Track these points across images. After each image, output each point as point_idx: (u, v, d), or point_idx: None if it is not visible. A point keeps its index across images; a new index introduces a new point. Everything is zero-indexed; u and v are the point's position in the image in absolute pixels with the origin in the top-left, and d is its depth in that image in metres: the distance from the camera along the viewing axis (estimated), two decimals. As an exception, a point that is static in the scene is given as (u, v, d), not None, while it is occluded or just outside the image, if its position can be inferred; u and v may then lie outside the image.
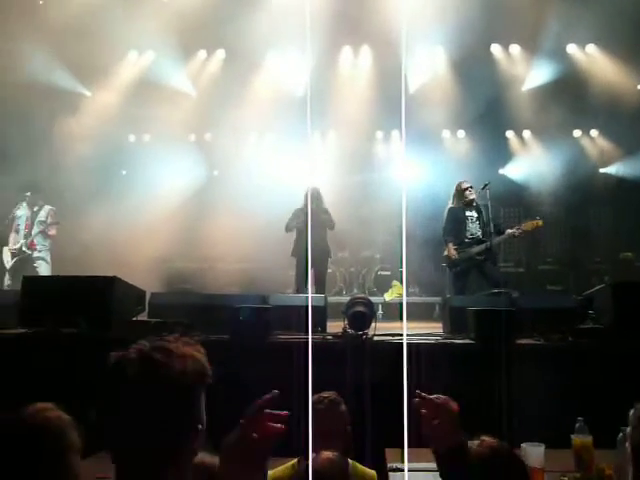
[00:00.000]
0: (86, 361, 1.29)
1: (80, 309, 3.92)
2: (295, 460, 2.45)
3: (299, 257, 6.40)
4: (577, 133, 9.28)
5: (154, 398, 1.09)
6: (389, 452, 2.67)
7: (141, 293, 4.53)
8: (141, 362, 1.11)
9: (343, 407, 2.46)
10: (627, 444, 1.35)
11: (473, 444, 1.76)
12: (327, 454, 2.43)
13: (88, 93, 8.73)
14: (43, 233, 6.67)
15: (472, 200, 6.15)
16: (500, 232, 6.10)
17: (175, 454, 1.12)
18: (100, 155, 8.30)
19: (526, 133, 9.41)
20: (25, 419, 1.33)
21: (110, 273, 4.33)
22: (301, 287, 6.26)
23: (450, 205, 6.28)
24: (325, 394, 2.47)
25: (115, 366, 1.13)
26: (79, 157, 7.72)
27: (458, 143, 9.49)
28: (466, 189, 6.15)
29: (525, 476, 1.79)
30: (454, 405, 1.58)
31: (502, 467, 1.73)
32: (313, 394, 2.36)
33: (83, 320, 3.85)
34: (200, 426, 1.18)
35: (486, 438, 1.79)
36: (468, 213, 6.18)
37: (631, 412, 1.35)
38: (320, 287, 6.42)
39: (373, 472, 2.43)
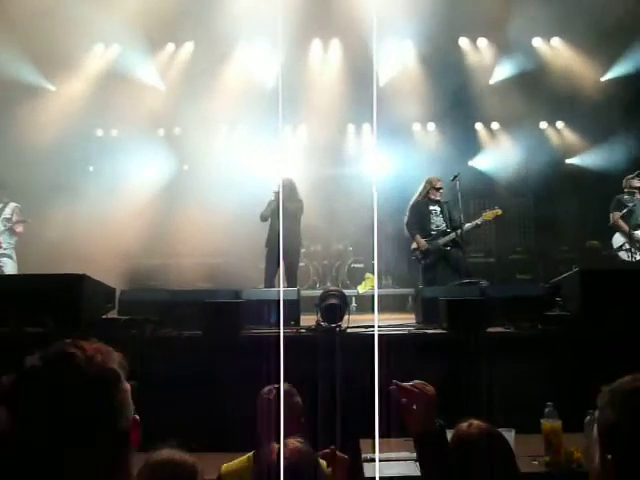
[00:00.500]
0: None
1: (47, 308, 3.83)
2: (250, 453, 2.44)
3: (270, 248, 6.37)
4: (543, 125, 9.45)
5: (79, 397, 1.03)
6: (364, 443, 2.69)
7: (110, 290, 4.45)
8: (56, 361, 1.05)
9: (296, 398, 2.45)
10: (594, 427, 1.37)
11: (462, 426, 1.84)
12: (294, 443, 2.43)
13: (52, 87, 8.50)
14: (9, 231, 6.51)
15: (438, 199, 6.29)
16: (458, 226, 6.23)
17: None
18: (66, 150, 8.10)
19: (494, 125, 9.54)
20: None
21: (78, 270, 4.24)
22: (271, 279, 6.23)
23: (413, 199, 6.37)
24: (277, 385, 2.46)
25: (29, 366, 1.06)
26: (44, 152, 7.53)
27: (428, 135, 9.57)
28: (438, 189, 6.27)
29: (511, 457, 1.86)
30: (430, 389, 1.61)
31: (490, 448, 1.79)
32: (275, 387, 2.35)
33: (50, 319, 3.76)
34: (136, 416, 1.11)
35: (474, 421, 1.86)
36: (432, 207, 6.31)
37: (599, 395, 1.38)
38: (292, 279, 6.39)
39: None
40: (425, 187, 6.34)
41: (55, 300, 3.90)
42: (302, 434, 2.35)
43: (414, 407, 1.60)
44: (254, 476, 2.33)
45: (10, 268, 6.48)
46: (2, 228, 6.48)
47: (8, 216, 6.54)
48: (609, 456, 1.19)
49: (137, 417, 1.12)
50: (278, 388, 2.43)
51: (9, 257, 6.53)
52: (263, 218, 6.39)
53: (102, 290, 4.34)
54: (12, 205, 6.60)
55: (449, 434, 2.33)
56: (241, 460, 2.42)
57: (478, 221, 6.24)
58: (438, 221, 6.28)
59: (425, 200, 6.32)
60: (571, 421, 2.51)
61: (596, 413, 1.37)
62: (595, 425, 1.35)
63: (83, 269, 4.35)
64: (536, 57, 8.74)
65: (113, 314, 4.42)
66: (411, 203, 6.39)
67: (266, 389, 2.46)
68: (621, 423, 1.23)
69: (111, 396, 1.06)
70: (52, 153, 7.72)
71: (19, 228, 6.54)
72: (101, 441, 1.04)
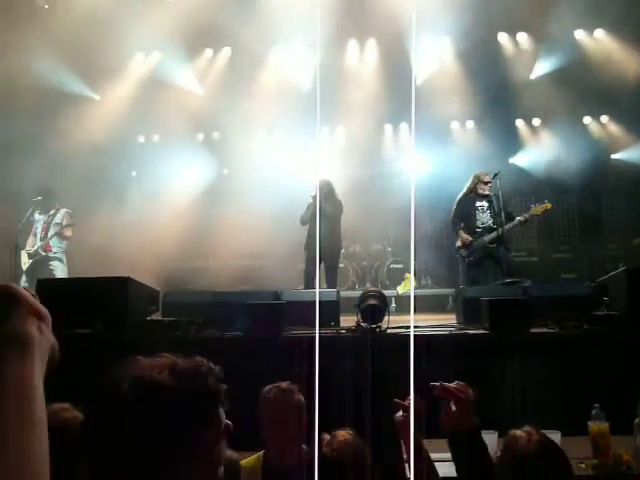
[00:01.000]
0: (102, 362, 1.29)
1: (95, 310, 3.96)
2: (261, 453, 2.47)
3: (309, 251, 6.40)
4: (587, 120, 9.17)
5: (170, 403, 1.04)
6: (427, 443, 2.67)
7: (154, 293, 4.57)
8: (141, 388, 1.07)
9: (297, 396, 2.44)
10: None
11: (520, 437, 1.64)
12: (343, 435, 2.44)
13: (96, 96, 8.79)
14: (59, 235, 6.76)
15: (487, 194, 6.15)
16: (511, 219, 6.07)
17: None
18: (109, 157, 8.37)
19: (536, 121, 9.33)
20: None
21: (123, 273, 4.37)
22: (311, 280, 6.25)
23: (461, 194, 6.25)
24: (278, 384, 2.48)
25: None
26: (88, 159, 7.79)
27: (467, 133, 9.43)
28: (486, 183, 6.13)
29: (571, 475, 1.69)
30: (470, 391, 1.60)
31: (550, 466, 1.61)
32: (313, 387, 2.38)
33: (98, 321, 3.89)
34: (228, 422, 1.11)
35: (532, 431, 1.68)
36: (478, 203, 6.15)
37: None
38: (332, 280, 6.40)
39: None
40: (473, 182, 6.20)
41: (102, 302, 4.03)
42: (301, 432, 2.39)
43: (453, 408, 1.60)
44: (263, 474, 2.40)
45: (60, 271, 6.73)
46: (52, 232, 6.73)
47: (59, 221, 6.79)
48: None
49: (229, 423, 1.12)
50: (278, 386, 2.46)
51: (60, 260, 6.78)
52: (303, 222, 6.41)
53: (146, 292, 4.46)
54: (63, 211, 6.85)
55: (498, 440, 2.32)
56: (252, 459, 2.47)
57: (526, 215, 6.04)
58: (484, 218, 6.12)
59: (472, 195, 6.18)
60: (619, 423, 2.44)
61: None
62: None
63: (127, 272, 4.49)
64: (578, 50, 8.52)
65: (157, 316, 4.53)
66: (457, 199, 6.26)
67: (266, 388, 2.48)
68: None
69: (205, 415, 1.06)
70: (96, 160, 7.99)
71: (68, 232, 6.78)
72: (198, 455, 1.04)
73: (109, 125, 8.39)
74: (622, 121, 8.86)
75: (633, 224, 8.26)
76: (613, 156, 9.09)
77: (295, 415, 2.41)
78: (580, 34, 8.57)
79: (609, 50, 8.38)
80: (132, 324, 4.03)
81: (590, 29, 8.52)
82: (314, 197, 6.15)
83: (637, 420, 2.28)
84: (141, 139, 9.52)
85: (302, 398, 2.48)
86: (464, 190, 6.24)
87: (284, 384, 2.49)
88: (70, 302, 4.06)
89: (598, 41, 8.54)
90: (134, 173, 9.46)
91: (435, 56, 8.83)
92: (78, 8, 7.34)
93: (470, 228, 6.12)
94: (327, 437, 2.37)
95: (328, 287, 6.29)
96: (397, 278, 8.22)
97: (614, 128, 9.08)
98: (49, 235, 6.73)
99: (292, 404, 2.43)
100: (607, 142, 9.09)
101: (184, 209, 8.34)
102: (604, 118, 9.14)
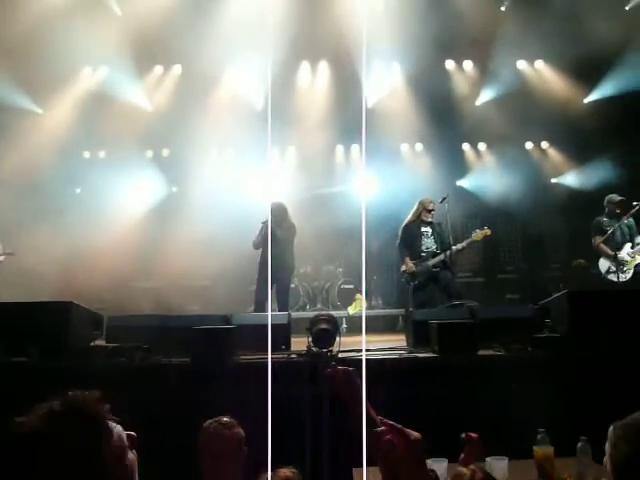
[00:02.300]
0: (36, 392, 1.22)
1: (33, 337, 3.76)
2: None
3: (260, 273, 6.35)
4: (529, 145, 9.58)
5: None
6: (357, 472, 2.65)
7: (98, 317, 4.40)
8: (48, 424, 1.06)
9: (236, 430, 2.47)
10: (606, 462, 1.37)
11: (463, 476, 1.63)
12: (285, 472, 2.41)
13: (40, 110, 8.49)
14: None
15: (429, 222, 6.32)
16: (455, 243, 6.25)
17: None
18: (53, 173, 8.06)
19: (481, 145, 9.66)
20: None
21: (64, 297, 4.19)
22: (260, 304, 6.19)
23: (406, 221, 6.39)
24: (217, 418, 2.50)
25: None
26: (30, 175, 7.49)
27: (416, 156, 9.65)
28: (430, 211, 6.29)
29: None
30: (416, 436, 1.40)
31: None
32: (264, 416, 2.35)
33: (35, 348, 3.69)
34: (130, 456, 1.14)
35: (476, 469, 1.66)
36: (423, 229, 6.33)
37: (610, 429, 1.38)
38: (283, 302, 6.36)
39: None
40: (418, 209, 6.36)
41: (41, 329, 3.84)
42: (241, 465, 2.38)
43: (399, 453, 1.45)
44: None
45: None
46: None
47: None
48: None
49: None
50: (217, 420, 2.47)
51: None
52: (256, 246, 6.37)
53: (90, 317, 4.29)
54: None
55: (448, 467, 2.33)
56: None
57: (466, 242, 6.27)
58: (428, 243, 6.30)
59: (417, 222, 6.34)
60: (563, 445, 2.50)
61: (607, 446, 1.37)
62: (608, 461, 1.35)
63: (69, 295, 4.31)
64: (521, 79, 8.92)
65: (101, 341, 4.36)
66: (403, 225, 6.41)
67: (207, 422, 2.49)
68: (638, 456, 1.25)
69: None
70: (39, 176, 7.69)
71: (1, 258, 6.46)
72: None
73: (53, 140, 8.11)
74: (561, 147, 9.31)
75: (572, 246, 8.64)
76: (553, 180, 9.51)
77: (235, 449, 2.41)
78: (522, 64, 8.99)
79: (548, 80, 8.83)
80: (74, 351, 3.85)
81: (531, 60, 8.95)
82: (265, 222, 6.12)
83: (580, 443, 2.34)
84: (86, 155, 9.24)
85: (241, 432, 2.50)
86: (409, 216, 6.40)
87: (224, 418, 2.49)
88: (6, 328, 3.86)
89: (538, 71, 8.98)
90: (78, 190, 9.15)
91: (385, 80, 9.03)
92: (23, 19, 7.10)
93: (416, 253, 6.28)
94: (266, 476, 2.34)
95: (279, 309, 6.24)
96: (348, 298, 8.25)
97: (554, 153, 9.51)
98: None
99: (232, 438, 2.43)
100: (547, 167, 9.51)
101: (131, 227, 8.13)
102: (544, 144, 9.57)
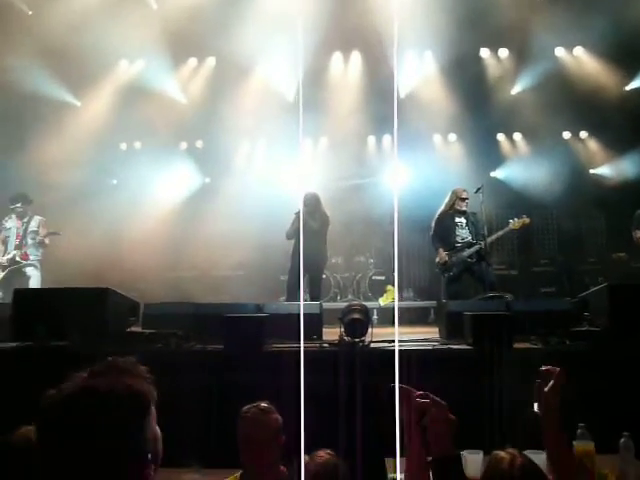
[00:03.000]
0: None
1: (72, 321, 3.86)
2: (238, 473, 2.46)
3: (293, 262, 6.37)
4: (567, 135, 9.32)
5: (96, 429, 1.02)
6: (389, 462, 2.64)
7: (134, 304, 4.48)
8: (79, 394, 1.05)
9: (274, 416, 2.45)
10: None
11: (503, 459, 1.63)
12: (322, 455, 2.42)
13: (78, 103, 8.68)
14: (38, 243, 6.60)
15: (463, 211, 6.20)
16: (490, 234, 6.14)
17: None
18: (90, 164, 8.25)
19: (517, 136, 9.45)
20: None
21: (102, 283, 4.28)
22: (292, 293, 6.22)
23: (440, 211, 6.29)
24: (256, 404, 2.48)
25: (51, 401, 1.05)
26: (69, 166, 7.67)
27: (450, 147, 9.50)
28: (463, 199, 6.18)
29: None
30: (450, 416, 1.54)
31: None
32: (296, 404, 2.36)
33: (75, 333, 3.79)
34: (150, 456, 1.10)
35: (515, 453, 1.66)
36: (457, 219, 6.22)
37: None
38: (314, 292, 6.37)
39: None
40: (451, 198, 6.27)
41: (80, 314, 3.94)
42: (278, 452, 2.38)
43: (433, 429, 1.53)
44: None
45: (35, 281, 6.57)
46: (30, 241, 6.57)
47: (34, 229, 6.64)
48: None
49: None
50: (256, 406, 2.46)
51: (35, 270, 6.63)
52: (288, 237, 6.39)
53: (126, 303, 4.38)
54: (37, 218, 6.70)
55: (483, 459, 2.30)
56: (230, 479, 2.45)
57: (503, 231, 6.14)
58: (463, 233, 6.19)
59: (451, 212, 6.24)
60: (604, 442, 2.44)
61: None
62: None
63: (107, 282, 4.40)
64: (559, 67, 8.67)
65: (137, 328, 4.44)
66: (437, 215, 6.32)
67: (245, 408, 2.47)
68: None
69: (135, 427, 1.06)
70: (76, 166, 7.86)
71: (47, 240, 6.62)
72: (126, 471, 1.04)
73: (90, 131, 8.30)
74: (600, 137, 9.03)
75: (612, 238, 8.40)
76: (592, 171, 9.25)
77: (273, 435, 2.41)
78: (560, 51, 8.73)
79: (588, 68, 8.55)
80: (111, 336, 3.94)
81: (570, 47, 8.69)
82: (298, 213, 6.13)
83: (622, 439, 2.28)
84: (123, 146, 9.41)
85: (279, 418, 2.49)
86: (442, 207, 6.31)
87: (262, 404, 2.49)
88: (47, 313, 3.97)
89: (577, 59, 8.71)
90: (115, 181, 9.34)
91: (418, 70, 8.91)
92: (62, 14, 7.25)
93: (450, 244, 6.17)
94: (306, 458, 2.35)
95: (311, 299, 6.25)
96: (379, 290, 8.22)
97: (592, 143, 9.23)
98: (26, 243, 6.57)
99: (270, 424, 2.43)
100: (586, 157, 9.25)
101: (165, 218, 8.26)
102: (583, 134, 9.29)
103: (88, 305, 4.02)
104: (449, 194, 6.31)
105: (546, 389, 1.76)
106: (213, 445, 3.28)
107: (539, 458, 2.32)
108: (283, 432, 2.44)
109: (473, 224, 6.16)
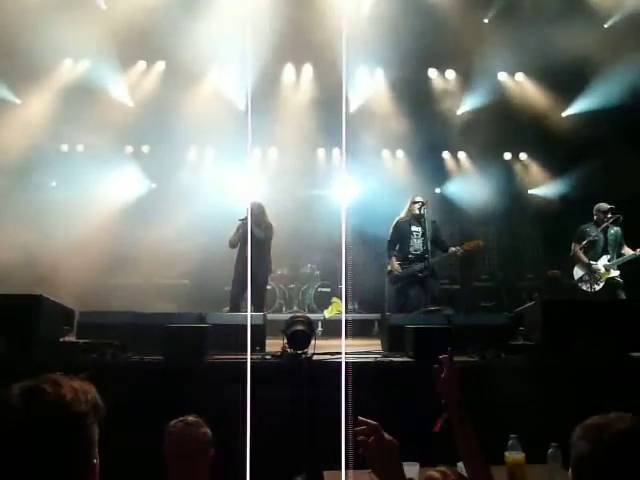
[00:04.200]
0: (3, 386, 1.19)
1: (1, 330, 3.66)
2: None
3: (237, 273, 6.30)
4: (507, 156, 9.72)
5: (43, 432, 1.01)
6: (327, 475, 2.62)
7: (69, 312, 4.30)
8: (28, 393, 1.03)
9: (203, 430, 2.42)
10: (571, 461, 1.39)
11: (435, 479, 1.70)
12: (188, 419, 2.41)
13: (18, 101, 8.31)
14: None
15: (419, 215, 6.22)
16: (444, 250, 6.24)
17: None
18: (28, 165, 7.89)
19: (461, 154, 9.76)
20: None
21: (35, 291, 4.09)
22: (236, 304, 6.15)
23: (398, 218, 6.36)
24: (183, 417, 2.44)
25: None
26: (5, 167, 7.32)
27: (397, 162, 9.70)
28: (416, 202, 6.26)
29: None
30: (391, 439, 1.56)
31: None
32: (238, 416, 2.32)
33: (4, 341, 3.59)
34: (95, 461, 1.11)
35: (447, 471, 1.75)
36: (414, 228, 6.28)
37: (573, 433, 1.40)
38: (259, 303, 6.32)
39: None
40: (408, 205, 6.34)
41: (10, 321, 3.74)
42: (205, 466, 2.34)
43: (376, 452, 1.55)
44: None
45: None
46: None
47: None
48: None
49: (95, 462, 1.09)
50: (183, 420, 2.42)
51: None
52: (232, 244, 6.33)
53: (60, 311, 4.20)
54: None
55: (417, 471, 2.32)
56: None
57: (457, 250, 6.17)
58: (417, 244, 6.22)
59: (408, 219, 6.29)
60: (534, 452, 2.52)
61: (572, 452, 1.38)
62: (572, 459, 1.37)
63: (41, 289, 4.21)
64: (501, 90, 9.03)
65: (72, 337, 4.26)
66: (394, 222, 6.36)
67: (172, 422, 2.43)
68: (594, 455, 1.27)
69: (71, 437, 1.03)
70: (14, 167, 7.52)
71: None
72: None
73: (30, 131, 7.94)
74: (539, 159, 9.46)
75: (547, 256, 8.77)
76: (530, 191, 9.66)
77: (200, 450, 2.36)
78: (503, 76, 9.12)
79: (528, 93, 8.97)
80: (43, 345, 3.76)
81: (512, 72, 9.09)
82: (243, 220, 6.09)
83: (550, 450, 2.36)
84: (64, 148, 9.06)
85: (208, 431, 2.44)
86: (401, 214, 6.37)
87: (190, 417, 2.44)
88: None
89: (519, 84, 9.12)
90: (54, 183, 8.97)
91: (369, 86, 9.07)
92: (6, 9, 6.95)
93: (404, 253, 6.23)
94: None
95: (255, 310, 6.19)
96: (324, 302, 8.23)
97: (531, 165, 9.66)
98: None
99: (197, 438, 2.38)
100: (525, 177, 9.65)
101: (107, 223, 7.99)
102: (523, 155, 9.71)
103: (18, 313, 3.82)
104: (408, 202, 6.37)
105: (442, 375, 1.88)
106: (149, 461, 3.17)
107: (414, 469, 2.38)
108: (212, 445, 2.40)
109: (432, 233, 6.14)
